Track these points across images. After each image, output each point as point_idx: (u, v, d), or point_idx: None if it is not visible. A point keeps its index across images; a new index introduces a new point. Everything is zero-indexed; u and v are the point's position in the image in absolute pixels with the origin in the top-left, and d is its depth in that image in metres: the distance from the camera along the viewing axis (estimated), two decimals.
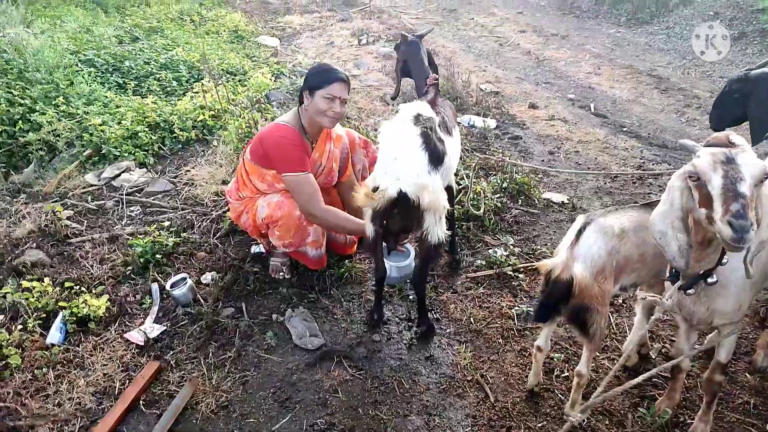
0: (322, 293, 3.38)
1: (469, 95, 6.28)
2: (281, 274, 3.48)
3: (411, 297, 3.34)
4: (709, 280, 1.85)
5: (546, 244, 3.86)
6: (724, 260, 1.82)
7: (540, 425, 2.55)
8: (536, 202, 4.34)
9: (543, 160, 5.09)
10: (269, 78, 6.88)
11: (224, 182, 4.49)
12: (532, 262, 3.65)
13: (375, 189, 2.63)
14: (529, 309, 3.23)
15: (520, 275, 3.54)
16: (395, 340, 3.06)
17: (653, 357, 2.91)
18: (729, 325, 2.04)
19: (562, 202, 4.35)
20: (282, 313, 3.20)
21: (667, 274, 1.97)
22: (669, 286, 1.99)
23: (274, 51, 8.71)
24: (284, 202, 3.12)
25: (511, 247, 3.78)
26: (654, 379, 2.79)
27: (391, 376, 2.82)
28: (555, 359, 2.89)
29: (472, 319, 3.19)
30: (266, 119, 5.23)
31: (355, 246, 3.67)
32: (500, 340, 3.05)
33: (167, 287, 3.27)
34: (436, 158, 2.67)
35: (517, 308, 3.25)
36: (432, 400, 2.68)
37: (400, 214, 2.67)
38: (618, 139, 5.50)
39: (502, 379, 2.81)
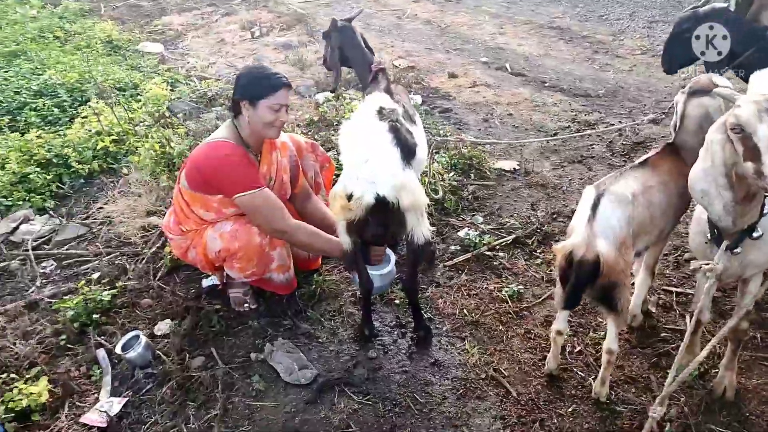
0: (298, 317, 3.04)
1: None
2: (246, 306, 3.10)
3: (396, 301, 3.09)
4: (755, 234, 1.76)
5: (512, 216, 3.75)
6: (766, 210, 1.73)
7: (571, 410, 2.42)
8: (488, 173, 4.21)
9: (480, 129, 4.98)
10: (165, 88, 6.22)
11: (150, 213, 3.96)
12: (505, 236, 3.52)
13: (349, 197, 2.33)
14: (519, 288, 3.09)
15: (500, 253, 3.39)
16: (393, 352, 2.80)
17: (653, 311, 2.88)
18: (758, 275, 1.99)
19: (513, 168, 4.26)
20: (261, 350, 2.83)
21: (708, 236, 1.85)
22: (703, 249, 1.88)
23: (160, 57, 7.93)
24: (239, 230, 2.73)
25: (481, 225, 3.63)
26: (662, 335, 2.76)
27: (401, 393, 2.57)
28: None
29: (465, 310, 3.00)
30: (179, 135, 4.69)
31: (320, 259, 3.35)
32: (501, 327, 2.89)
33: (118, 351, 2.78)
34: (408, 152, 2.42)
35: (507, 289, 3.10)
36: (453, 409, 2.47)
37: (379, 220, 2.39)
38: (544, 96, 5.51)
39: (516, 368, 2.65)
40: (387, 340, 2.87)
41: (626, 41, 6.85)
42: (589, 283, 2.03)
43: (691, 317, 2.40)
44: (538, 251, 3.41)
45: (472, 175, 4.18)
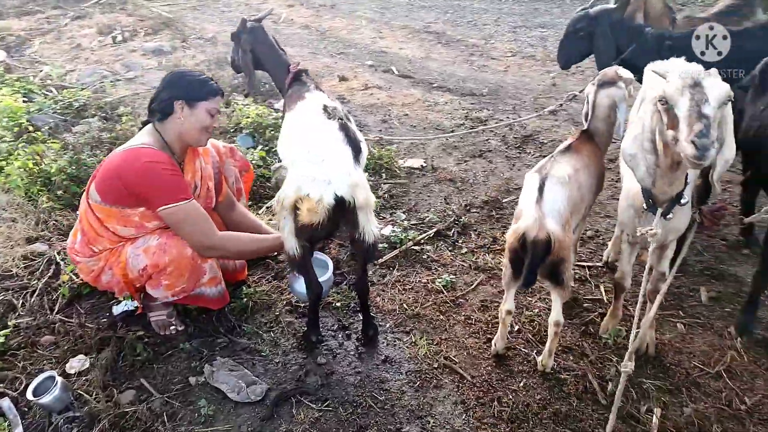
0: (233, 333, 2.87)
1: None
2: (172, 328, 2.85)
3: (336, 304, 3.04)
4: (682, 201, 2.00)
5: (429, 210, 3.87)
6: (688, 179, 1.98)
7: (522, 384, 2.56)
8: (398, 171, 4.31)
9: (381, 130, 5.06)
10: (17, 100, 5.47)
11: (31, 240, 3.48)
12: (428, 231, 3.63)
13: (303, 199, 2.26)
14: (450, 278, 3.20)
15: (426, 247, 3.49)
16: (342, 355, 2.76)
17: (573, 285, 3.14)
18: (673, 241, 2.27)
19: (421, 165, 4.40)
20: (200, 373, 2.62)
21: (645, 207, 2.07)
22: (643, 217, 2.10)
23: (4, 65, 6.97)
24: (168, 243, 2.51)
25: (404, 222, 3.70)
26: (585, 305, 3.02)
27: (359, 395, 2.53)
28: None
29: (404, 305, 3.04)
30: (54, 150, 4.18)
31: (246, 270, 3.19)
32: (441, 317, 2.97)
33: (29, 397, 2.40)
34: (357, 150, 2.42)
35: (439, 280, 3.20)
36: (414, 402, 2.49)
37: (334, 221, 2.35)
38: (434, 96, 5.76)
39: (465, 354, 2.75)
40: (333, 344, 2.82)
41: (497, 44, 7.40)
42: (542, 261, 2.17)
43: (613, 286, 2.69)
44: (460, 242, 3.56)
45: (383, 174, 4.25)
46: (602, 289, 3.12)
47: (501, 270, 3.25)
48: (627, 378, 1.80)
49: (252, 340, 2.82)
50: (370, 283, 3.20)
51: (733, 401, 2.42)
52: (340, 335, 2.88)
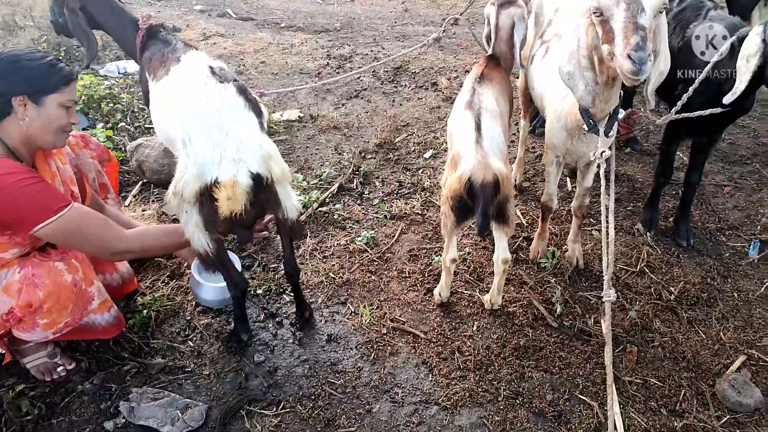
0: (141, 355, 2.40)
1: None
2: (60, 369, 2.29)
3: (258, 291, 2.68)
4: (619, 116, 1.96)
5: (322, 165, 3.56)
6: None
7: (476, 327, 2.49)
8: (276, 127, 3.88)
9: None
10: None
11: None
12: (330, 187, 3.34)
13: (213, 185, 1.85)
14: (370, 234, 2.99)
15: (333, 206, 3.21)
16: (280, 347, 2.45)
17: None
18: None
19: (299, 117, 4.01)
20: (115, 414, 2.15)
21: (587, 128, 2.00)
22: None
23: None
24: (36, 274, 1.94)
25: (303, 183, 3.35)
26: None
27: (315, 385, 2.27)
28: (435, 261, 2.81)
29: (330, 274, 2.78)
30: None
31: (135, 276, 2.66)
32: (373, 278, 2.78)
33: None
34: (259, 114, 2.02)
35: (359, 238, 2.97)
36: (375, 376, 2.31)
37: (253, 204, 1.97)
38: (286, 37, 5.26)
39: (410, 311, 2.60)
40: (266, 337, 2.49)
41: None
42: (492, 202, 2.04)
43: (541, 208, 2.69)
44: (367, 192, 3.34)
45: None
46: (518, 213, 3.14)
47: (418, 215, 3.13)
48: (609, 305, 1.77)
49: (168, 357, 2.38)
50: (280, 258, 2.88)
51: (662, 293, 2.60)
52: (270, 325, 2.55)
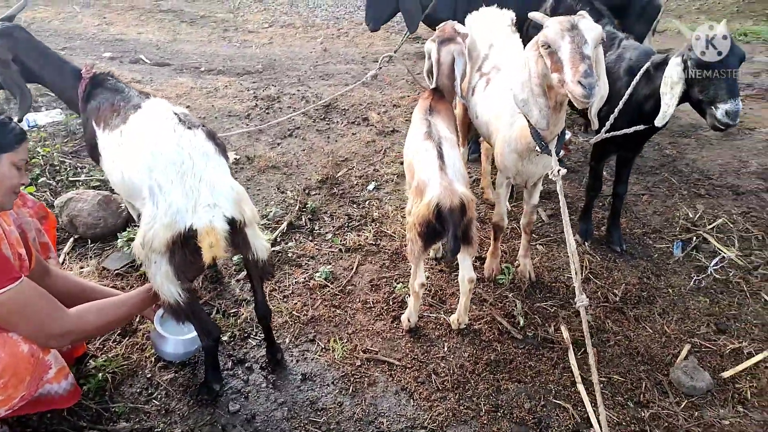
0: (102, 422, 2.22)
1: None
2: None
3: (224, 338, 2.58)
4: (566, 137, 2.14)
5: (267, 205, 3.52)
6: None
7: (447, 348, 2.56)
8: None
9: None
10: None
11: None
12: (279, 226, 3.30)
13: (188, 235, 1.80)
14: (327, 269, 2.99)
15: (285, 245, 3.18)
16: (254, 392, 2.37)
17: None
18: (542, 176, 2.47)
19: (235, 159, 3.96)
20: None
21: (539, 150, 2.16)
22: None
23: None
24: None
25: None
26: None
27: (296, 427, 2.22)
28: (398, 289, 2.86)
29: (294, 313, 2.74)
30: None
31: (86, 343, 2.48)
32: (338, 311, 2.77)
33: None
34: (228, 159, 2.01)
35: (317, 274, 2.96)
36: (357, 409, 2.29)
37: (228, 249, 1.94)
38: (208, 81, 5.19)
39: (380, 340, 2.62)
40: (238, 384, 2.40)
41: (248, 17, 6.99)
42: (460, 225, 2.14)
43: (492, 228, 2.84)
44: (317, 228, 3.34)
45: None
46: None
47: (372, 245, 3.18)
48: (584, 309, 1.91)
49: (133, 420, 2.23)
50: (244, 303, 2.81)
51: (608, 296, 2.82)
52: (240, 371, 2.46)
